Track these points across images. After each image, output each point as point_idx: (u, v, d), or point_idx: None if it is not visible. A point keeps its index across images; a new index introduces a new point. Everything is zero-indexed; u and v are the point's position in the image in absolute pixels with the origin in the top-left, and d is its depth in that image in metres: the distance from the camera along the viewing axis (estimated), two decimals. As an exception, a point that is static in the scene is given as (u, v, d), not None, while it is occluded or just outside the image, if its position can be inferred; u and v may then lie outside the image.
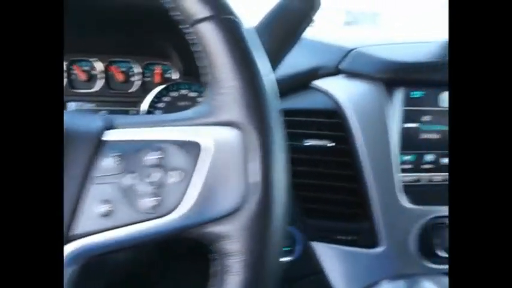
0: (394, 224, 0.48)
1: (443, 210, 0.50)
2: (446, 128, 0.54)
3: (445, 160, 0.55)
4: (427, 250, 0.48)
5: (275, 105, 0.27)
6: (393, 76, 0.51)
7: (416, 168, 0.54)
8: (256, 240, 0.25)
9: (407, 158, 0.54)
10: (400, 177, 0.52)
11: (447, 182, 0.55)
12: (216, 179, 0.25)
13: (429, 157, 0.54)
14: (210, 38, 0.27)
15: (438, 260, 0.48)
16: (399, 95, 0.51)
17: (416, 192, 0.52)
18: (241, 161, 0.26)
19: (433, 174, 0.55)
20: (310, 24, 0.42)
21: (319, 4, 0.42)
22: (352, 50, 0.54)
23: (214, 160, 0.26)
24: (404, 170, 0.54)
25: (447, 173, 0.55)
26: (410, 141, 0.53)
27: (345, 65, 0.53)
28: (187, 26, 0.28)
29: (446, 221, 0.49)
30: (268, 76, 0.27)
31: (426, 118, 0.53)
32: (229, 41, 0.27)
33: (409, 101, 0.52)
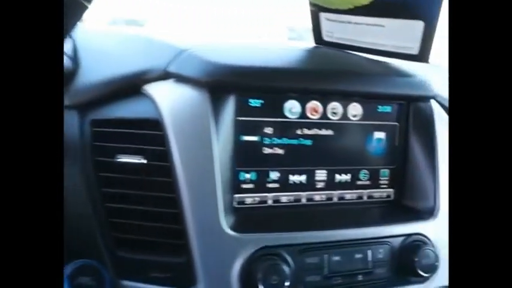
0: (214, 257, 0.40)
1: (279, 238, 0.42)
2: (293, 142, 0.48)
3: (294, 178, 0.48)
4: (250, 287, 0.40)
5: None
6: (224, 81, 0.44)
7: (259, 188, 0.47)
8: None
9: (247, 176, 0.46)
10: (231, 199, 0.45)
11: (297, 203, 0.49)
12: None
13: (274, 175, 0.47)
14: None
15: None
16: (233, 104, 0.44)
17: (251, 217, 0.45)
18: None
19: (279, 194, 0.48)
20: (84, 12, 0.34)
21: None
22: (183, 51, 0.46)
23: None
24: (244, 190, 0.46)
25: (297, 192, 0.49)
26: (250, 157, 0.46)
27: (174, 67, 0.45)
28: None
29: (277, 250, 0.41)
30: None
31: (268, 130, 0.46)
32: None
33: (246, 110, 0.45)
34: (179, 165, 0.41)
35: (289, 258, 0.41)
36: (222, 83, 0.43)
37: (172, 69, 0.45)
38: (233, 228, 0.41)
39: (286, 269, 0.40)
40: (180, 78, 0.45)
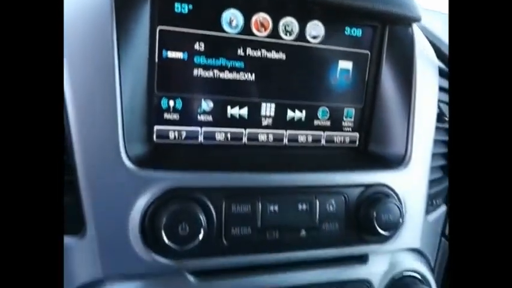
0: (108, 196, 0.30)
1: (199, 178, 0.33)
2: (233, 64, 0.38)
3: (233, 110, 0.39)
4: (152, 237, 0.31)
5: None
6: None
7: (187, 120, 0.37)
8: None
9: (171, 103, 0.37)
10: (150, 130, 0.35)
11: (235, 142, 0.39)
12: None
13: (207, 105, 0.38)
14: None
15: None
16: (151, 7, 0.34)
17: (171, 154, 0.36)
18: None
19: (213, 129, 0.38)
20: None
21: None
22: None
23: None
24: (167, 121, 0.37)
25: (237, 129, 0.39)
26: (174, 79, 0.36)
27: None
28: None
29: (193, 193, 0.32)
30: None
31: (199, 47, 0.36)
32: None
33: (170, 17, 0.35)
34: (68, 83, 0.31)
35: (209, 204, 0.32)
36: None
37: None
38: (138, 162, 0.32)
39: (201, 217, 0.31)
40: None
